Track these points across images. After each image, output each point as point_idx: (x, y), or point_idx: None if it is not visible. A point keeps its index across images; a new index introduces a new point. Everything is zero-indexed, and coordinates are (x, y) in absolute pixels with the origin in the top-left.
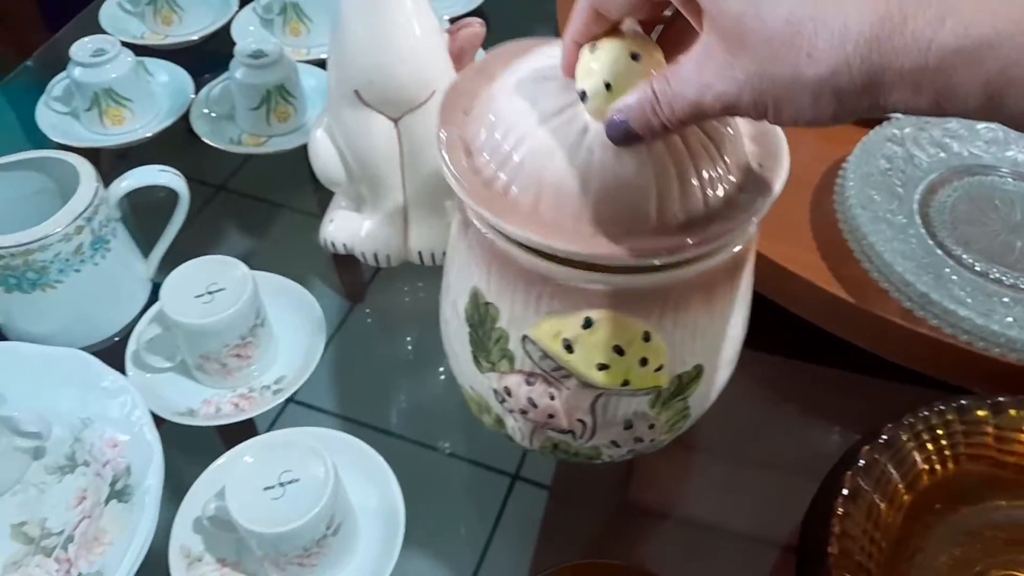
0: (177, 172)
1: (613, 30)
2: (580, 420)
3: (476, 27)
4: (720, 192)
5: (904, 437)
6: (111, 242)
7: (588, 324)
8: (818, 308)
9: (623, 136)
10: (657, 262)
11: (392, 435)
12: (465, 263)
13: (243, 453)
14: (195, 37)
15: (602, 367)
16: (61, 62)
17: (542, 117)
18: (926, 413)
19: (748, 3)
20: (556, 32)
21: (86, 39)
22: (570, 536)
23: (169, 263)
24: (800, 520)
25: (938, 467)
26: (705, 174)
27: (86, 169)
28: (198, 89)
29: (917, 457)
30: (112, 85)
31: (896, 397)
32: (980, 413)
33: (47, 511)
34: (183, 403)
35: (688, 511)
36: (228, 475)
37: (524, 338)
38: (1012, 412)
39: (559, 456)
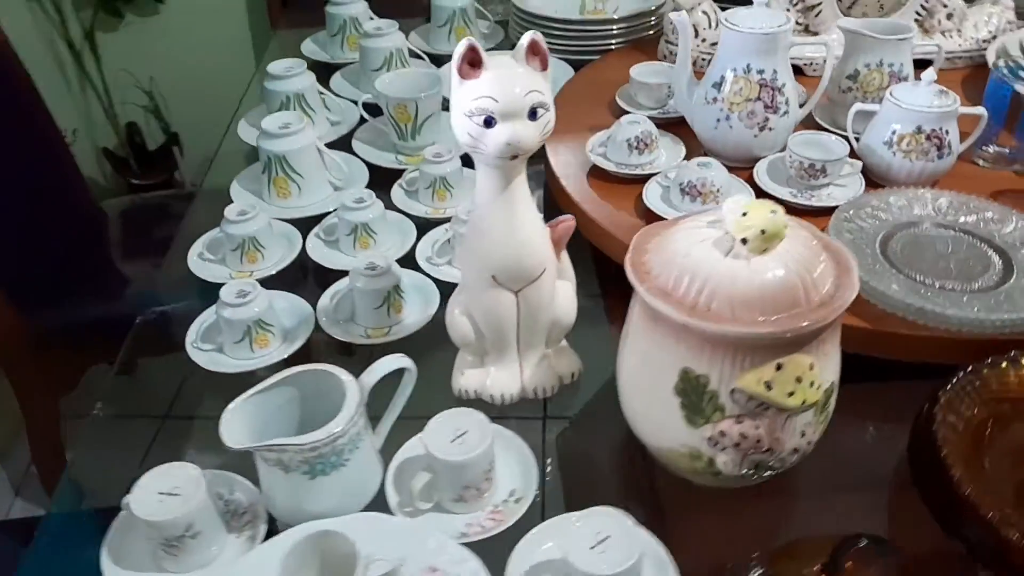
0: (406, 356)
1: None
2: (777, 438)
3: (570, 222)
4: (829, 284)
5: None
6: (363, 423)
7: (779, 367)
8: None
9: None
10: (817, 327)
11: None
12: (667, 358)
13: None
14: (274, 271)
15: (790, 394)
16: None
17: (714, 258)
18: (977, 365)
19: None
20: None
21: (232, 284)
22: None
23: None
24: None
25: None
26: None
27: (346, 376)
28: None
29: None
30: (262, 317)
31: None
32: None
33: None
34: (456, 529)
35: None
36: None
37: (732, 391)
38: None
39: (759, 475)
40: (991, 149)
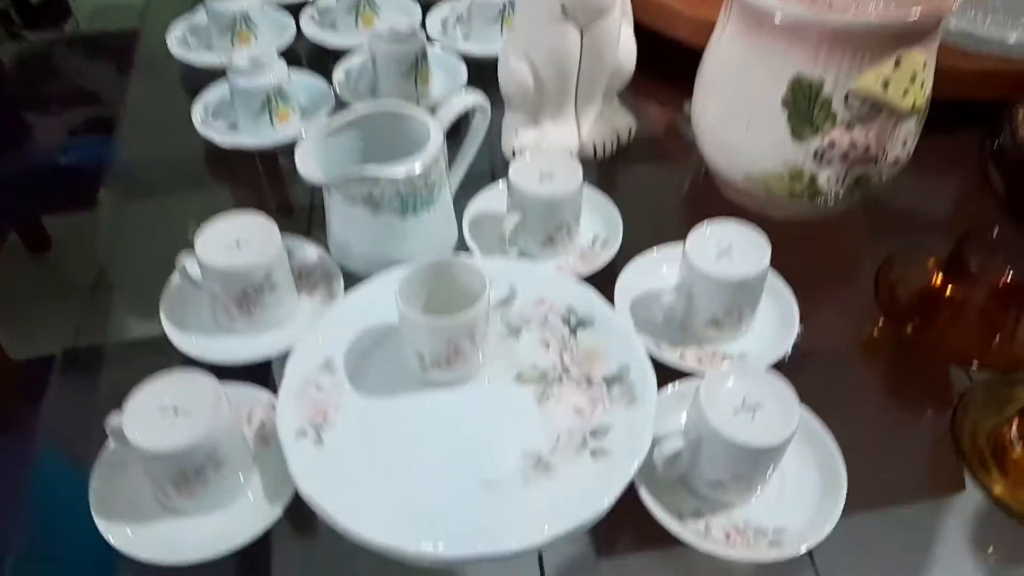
0: (478, 90)
1: None
2: (883, 146)
3: None
4: None
5: None
6: (444, 163)
7: (898, 63)
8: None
9: None
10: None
11: None
12: (775, 68)
13: None
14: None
15: (905, 93)
16: None
17: None
18: None
19: None
20: None
21: (242, 51)
22: None
23: None
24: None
25: None
26: None
27: (422, 113)
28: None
29: None
30: (282, 85)
31: None
32: None
33: (530, 360)
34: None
35: None
36: None
37: (847, 96)
38: None
39: (856, 191)
40: None
